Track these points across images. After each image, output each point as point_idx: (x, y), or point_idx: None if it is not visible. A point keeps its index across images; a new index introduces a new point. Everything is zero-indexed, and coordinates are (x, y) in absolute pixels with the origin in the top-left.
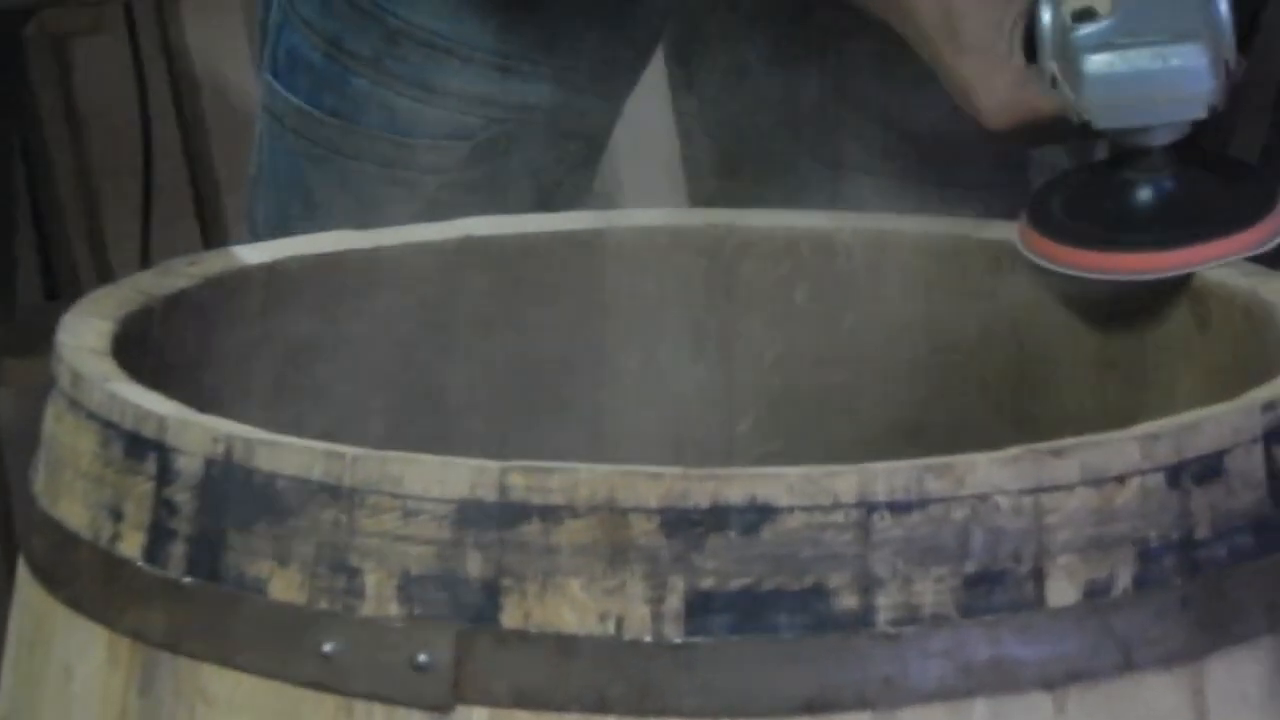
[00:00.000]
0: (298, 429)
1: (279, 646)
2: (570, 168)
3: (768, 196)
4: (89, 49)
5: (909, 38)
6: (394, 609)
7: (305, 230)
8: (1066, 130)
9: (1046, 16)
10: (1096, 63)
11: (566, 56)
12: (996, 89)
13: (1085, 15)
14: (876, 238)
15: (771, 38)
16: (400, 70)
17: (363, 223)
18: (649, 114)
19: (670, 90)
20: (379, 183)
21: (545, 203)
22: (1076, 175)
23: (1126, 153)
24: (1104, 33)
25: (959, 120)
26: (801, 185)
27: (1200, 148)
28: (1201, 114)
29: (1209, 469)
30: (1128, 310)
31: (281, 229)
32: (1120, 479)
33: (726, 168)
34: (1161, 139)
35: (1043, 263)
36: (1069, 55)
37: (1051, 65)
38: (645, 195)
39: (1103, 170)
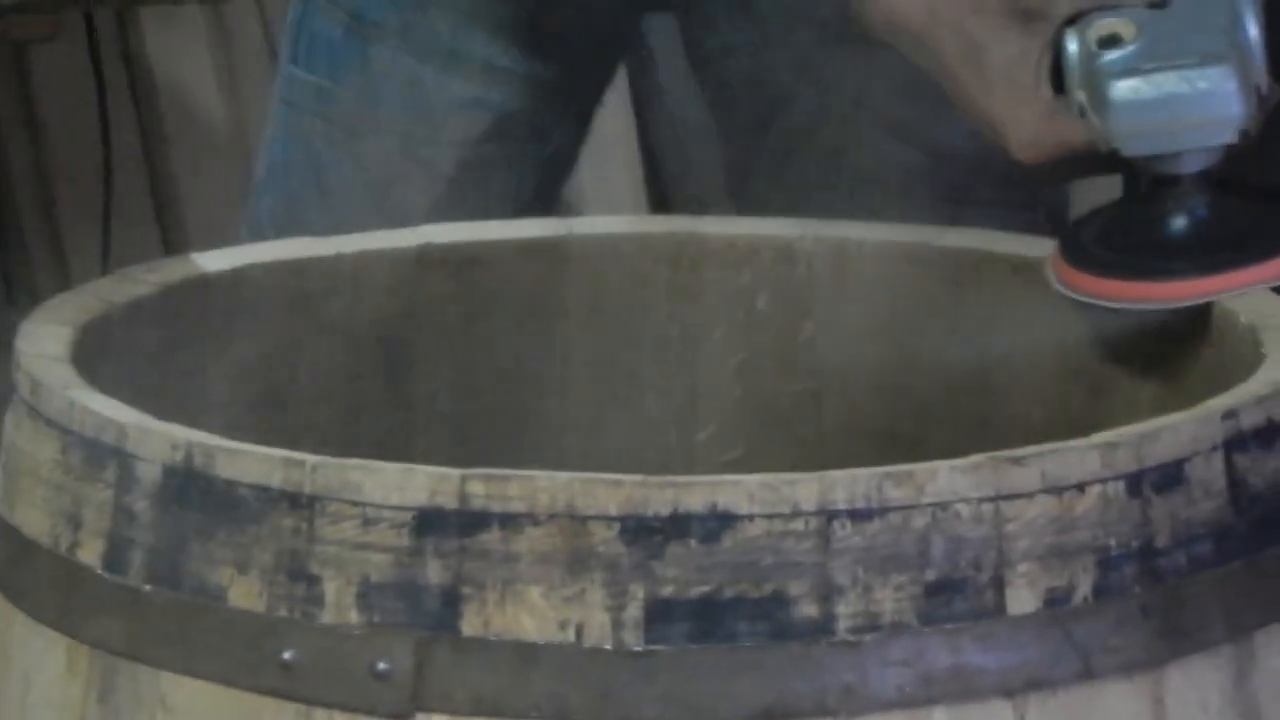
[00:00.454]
0: (258, 437)
1: (239, 654)
2: (565, 146)
3: (778, 204)
4: (48, 56)
5: (932, 71)
6: (354, 617)
7: (318, 222)
8: (1099, 161)
9: (1073, 46)
10: (1122, 89)
11: (584, 26)
12: (1024, 121)
13: (1111, 41)
14: (838, 246)
15: (792, 48)
16: (427, 39)
17: (380, 206)
18: (610, 120)
19: (635, 97)
20: (397, 161)
21: (544, 186)
22: (1108, 207)
23: (1158, 181)
24: (1129, 58)
25: (976, 135)
26: (816, 196)
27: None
28: (1231, 138)
29: (1169, 477)
30: (1091, 318)
31: (293, 224)
32: (1080, 487)
33: (738, 175)
34: (1192, 165)
35: (1075, 295)
36: (1094, 83)
37: (1079, 95)
38: (607, 202)
39: (1134, 200)
